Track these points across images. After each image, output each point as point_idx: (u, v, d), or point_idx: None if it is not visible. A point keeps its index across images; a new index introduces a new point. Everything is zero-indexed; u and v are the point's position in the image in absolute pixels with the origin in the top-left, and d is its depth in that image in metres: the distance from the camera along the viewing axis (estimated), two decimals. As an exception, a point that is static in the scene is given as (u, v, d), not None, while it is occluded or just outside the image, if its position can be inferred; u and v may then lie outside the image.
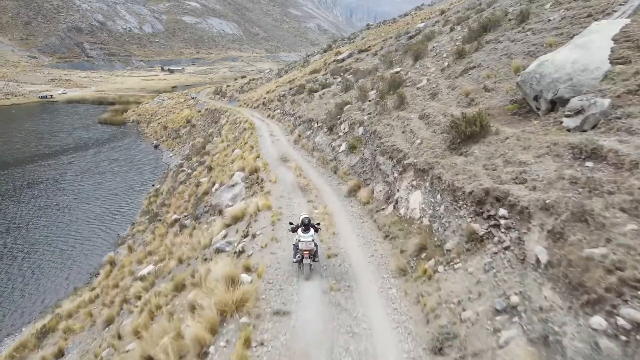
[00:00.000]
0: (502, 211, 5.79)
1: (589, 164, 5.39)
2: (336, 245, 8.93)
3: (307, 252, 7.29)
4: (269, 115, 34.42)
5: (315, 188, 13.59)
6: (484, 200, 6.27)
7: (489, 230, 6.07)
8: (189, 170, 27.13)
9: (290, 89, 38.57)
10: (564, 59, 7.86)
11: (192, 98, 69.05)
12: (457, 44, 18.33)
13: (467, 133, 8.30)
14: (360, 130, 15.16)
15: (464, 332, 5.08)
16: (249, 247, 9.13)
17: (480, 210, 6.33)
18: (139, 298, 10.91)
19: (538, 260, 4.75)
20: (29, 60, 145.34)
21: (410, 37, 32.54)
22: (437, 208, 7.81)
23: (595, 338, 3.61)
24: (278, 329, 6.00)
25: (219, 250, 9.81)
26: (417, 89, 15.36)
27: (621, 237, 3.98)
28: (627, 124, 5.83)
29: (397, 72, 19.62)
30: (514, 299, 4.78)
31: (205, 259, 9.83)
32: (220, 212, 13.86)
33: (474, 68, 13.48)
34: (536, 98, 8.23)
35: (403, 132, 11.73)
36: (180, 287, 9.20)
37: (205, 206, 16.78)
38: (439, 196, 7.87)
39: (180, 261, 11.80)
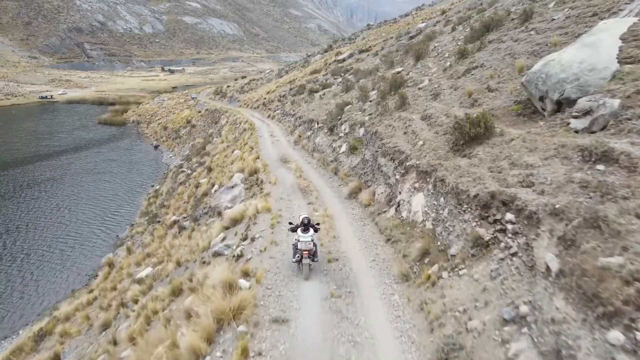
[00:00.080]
0: (509, 216, 5.58)
1: (600, 167, 5.17)
2: (337, 249, 8.73)
3: (307, 252, 7.28)
4: (269, 116, 34.25)
5: (315, 190, 13.39)
6: (490, 204, 6.06)
7: (495, 235, 5.86)
8: (189, 171, 26.96)
9: (291, 89, 38.39)
10: (571, 59, 7.65)
11: (193, 98, 68.88)
12: (459, 43, 18.12)
13: (470, 134, 8.09)
14: (361, 131, 14.94)
15: (470, 342, 4.87)
16: (248, 250, 8.94)
17: (486, 214, 6.12)
18: (136, 302, 10.71)
19: (548, 268, 4.54)
20: (30, 60, 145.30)
21: (411, 37, 32.33)
22: (441, 211, 7.60)
23: (612, 354, 3.40)
24: (277, 338, 5.79)
25: (217, 254, 9.61)
26: (419, 89, 15.15)
27: (638, 245, 3.77)
28: (638, 126, 5.63)
29: (398, 72, 19.40)
30: (523, 309, 4.57)
31: (204, 263, 9.64)
32: (219, 214, 13.67)
33: (477, 68, 13.27)
34: (542, 98, 8.02)
35: (405, 133, 11.51)
36: (177, 292, 9.01)
37: (204, 208, 16.59)
38: (442, 199, 7.66)
39: (179, 264, 11.61)
